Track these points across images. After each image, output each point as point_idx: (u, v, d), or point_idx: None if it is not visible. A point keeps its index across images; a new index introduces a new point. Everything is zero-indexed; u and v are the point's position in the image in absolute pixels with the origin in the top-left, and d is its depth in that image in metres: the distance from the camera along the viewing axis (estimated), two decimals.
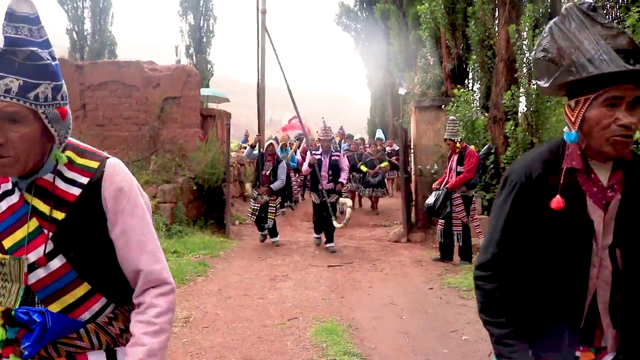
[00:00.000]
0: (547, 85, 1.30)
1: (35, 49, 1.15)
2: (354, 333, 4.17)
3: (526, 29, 7.79)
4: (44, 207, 1.22)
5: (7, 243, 1.22)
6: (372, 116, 22.81)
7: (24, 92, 1.12)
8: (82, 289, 1.24)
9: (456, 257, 6.81)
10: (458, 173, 6.59)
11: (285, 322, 4.40)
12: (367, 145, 13.66)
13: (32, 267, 1.20)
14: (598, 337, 1.29)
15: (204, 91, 13.28)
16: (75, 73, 9.87)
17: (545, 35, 1.30)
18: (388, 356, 3.72)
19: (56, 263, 1.21)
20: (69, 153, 1.28)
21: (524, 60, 8.06)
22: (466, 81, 10.38)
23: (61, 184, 1.24)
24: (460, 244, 6.66)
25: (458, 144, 6.66)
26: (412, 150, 9.49)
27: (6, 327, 1.21)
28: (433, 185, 7.05)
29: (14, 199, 1.24)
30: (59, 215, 1.22)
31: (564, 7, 1.29)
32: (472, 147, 6.96)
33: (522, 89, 8.16)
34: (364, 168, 11.44)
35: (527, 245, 1.33)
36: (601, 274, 1.27)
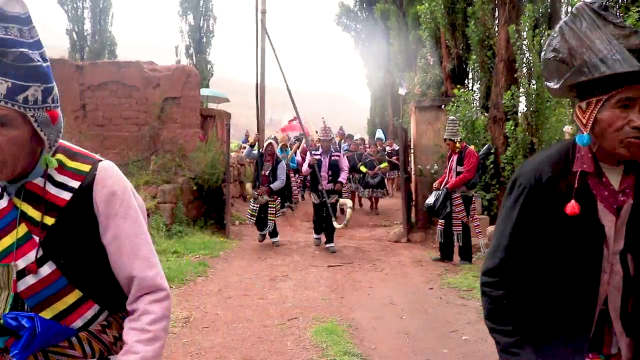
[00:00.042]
0: (557, 86, 1.27)
1: (26, 50, 1.12)
2: (354, 333, 4.17)
3: (526, 29, 7.79)
4: (33, 212, 1.19)
5: None
6: (372, 116, 22.81)
7: (13, 95, 1.09)
8: (74, 296, 1.21)
9: (456, 257, 6.81)
10: (458, 173, 6.59)
11: (285, 322, 4.40)
12: (367, 146, 13.65)
13: (22, 274, 1.16)
14: (607, 344, 1.27)
15: (204, 91, 13.28)
16: (75, 73, 9.87)
17: (555, 35, 1.27)
18: (388, 356, 3.72)
19: (46, 270, 1.17)
20: (59, 156, 1.24)
21: (524, 60, 8.06)
22: (466, 81, 10.39)
23: (51, 189, 1.21)
24: (460, 244, 6.66)
25: (458, 144, 6.66)
26: (412, 150, 9.49)
27: None
28: (433, 185, 7.05)
29: (3, 203, 1.20)
30: (49, 220, 1.18)
31: (575, 6, 1.26)
32: (471, 147, 6.96)
33: (522, 89, 8.17)
34: (363, 169, 11.41)
35: (536, 250, 1.30)
36: (612, 280, 1.24)
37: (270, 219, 7.66)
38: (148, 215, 7.67)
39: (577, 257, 1.24)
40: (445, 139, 6.79)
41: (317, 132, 9.65)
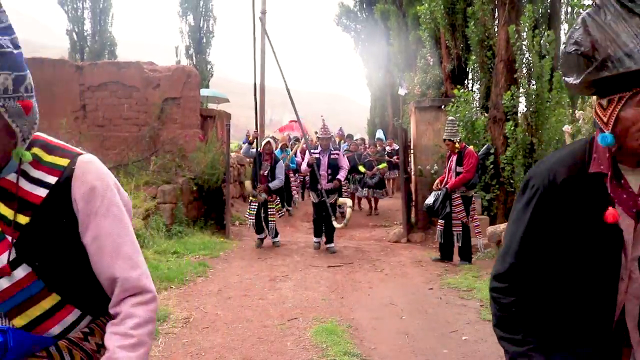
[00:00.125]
0: (577, 81, 1.18)
1: None
2: (353, 333, 4.17)
3: (526, 29, 7.80)
4: (6, 211, 1.10)
5: None
6: (372, 116, 22.81)
7: None
8: (51, 300, 1.12)
9: (456, 258, 6.81)
10: (457, 173, 6.60)
11: (285, 323, 4.40)
12: (367, 146, 13.64)
13: None
14: (626, 355, 1.19)
15: (203, 92, 13.29)
16: (75, 74, 9.88)
17: (577, 27, 1.18)
18: (388, 356, 3.73)
19: (20, 273, 1.08)
20: (36, 150, 1.15)
21: (524, 61, 8.07)
22: (466, 81, 10.39)
23: (26, 185, 1.12)
24: (460, 245, 6.67)
25: (457, 144, 6.66)
26: (412, 151, 9.49)
27: None
28: (433, 185, 7.05)
29: None
30: (23, 219, 1.09)
31: None
32: (471, 147, 6.97)
33: (521, 90, 8.17)
34: (362, 169, 11.37)
35: (549, 256, 1.22)
36: (630, 288, 1.16)
37: (271, 220, 7.65)
38: (148, 215, 7.69)
39: (593, 264, 1.17)
40: (444, 140, 6.79)
41: (316, 132, 9.65)
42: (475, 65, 9.39)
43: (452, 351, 3.78)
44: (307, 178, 9.79)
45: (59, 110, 9.57)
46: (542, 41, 7.84)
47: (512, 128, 7.84)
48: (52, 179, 1.13)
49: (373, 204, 11.67)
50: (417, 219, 9.20)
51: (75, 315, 1.16)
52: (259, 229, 7.71)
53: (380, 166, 11.64)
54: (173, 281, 5.52)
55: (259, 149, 7.76)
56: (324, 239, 7.72)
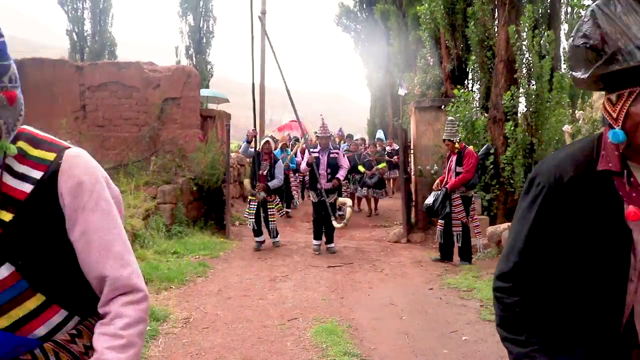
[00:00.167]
0: (585, 76, 1.14)
1: None
2: (353, 333, 4.17)
3: (526, 29, 7.80)
4: None
5: None
6: (372, 116, 22.81)
7: None
8: (35, 301, 1.07)
9: (456, 258, 6.81)
10: (457, 173, 6.60)
11: (285, 323, 4.40)
12: (367, 146, 13.62)
13: None
14: (635, 357, 1.16)
15: (203, 92, 13.29)
16: (75, 74, 9.89)
17: (586, 19, 1.13)
18: (388, 356, 3.73)
19: (3, 272, 1.03)
20: (21, 144, 1.10)
21: (524, 61, 8.07)
22: (466, 82, 10.39)
23: (10, 180, 1.07)
24: (460, 245, 6.67)
25: (457, 145, 6.66)
26: (412, 151, 9.49)
27: None
28: (433, 186, 7.05)
29: None
30: (6, 216, 1.04)
31: None
32: (470, 147, 6.97)
33: (521, 90, 8.18)
34: (361, 168, 11.32)
35: (554, 256, 1.19)
36: (639, 289, 1.13)
37: (271, 220, 7.63)
38: (148, 215, 7.69)
39: (600, 264, 1.14)
40: (444, 140, 6.80)
41: (316, 132, 9.64)
42: (475, 66, 9.39)
43: (452, 351, 3.78)
44: (307, 178, 9.77)
45: (59, 111, 9.58)
46: (542, 41, 7.84)
47: (512, 128, 7.85)
48: (37, 174, 1.08)
49: (373, 204, 11.60)
50: (417, 219, 9.20)
51: (62, 316, 1.11)
52: (257, 232, 7.63)
53: (380, 166, 11.59)
54: (173, 281, 5.52)
55: (257, 149, 7.71)
56: (324, 239, 7.67)
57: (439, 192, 6.73)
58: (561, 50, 9.47)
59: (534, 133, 7.92)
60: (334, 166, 7.46)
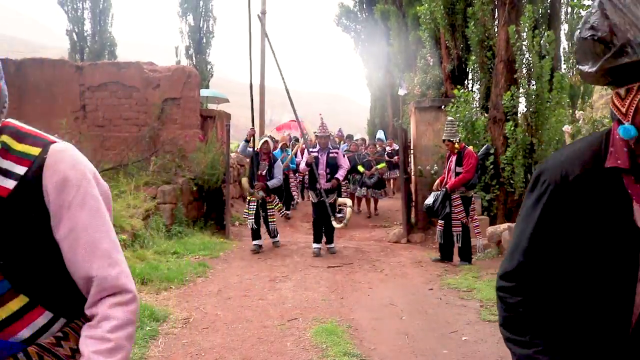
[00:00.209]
0: (592, 69, 1.08)
1: None
2: (353, 334, 4.17)
3: (526, 29, 7.81)
4: None
5: None
6: (372, 117, 22.81)
7: None
8: (18, 302, 1.02)
9: (456, 258, 6.81)
10: (457, 174, 6.60)
11: (285, 323, 4.40)
12: (366, 146, 13.59)
13: None
14: None
15: (203, 92, 13.29)
16: (75, 74, 9.89)
17: (593, 10, 1.09)
18: (388, 357, 3.73)
19: None
20: (5, 138, 1.06)
21: (524, 61, 8.08)
22: (466, 82, 10.39)
23: None
24: (460, 245, 6.67)
25: (456, 145, 6.66)
26: (411, 151, 9.49)
27: None
28: (433, 186, 7.05)
29: None
30: None
31: None
32: (470, 147, 6.97)
33: (521, 90, 8.18)
34: (361, 168, 11.29)
35: (559, 255, 1.15)
36: None
37: (271, 221, 7.60)
38: (148, 215, 7.69)
39: (608, 265, 1.10)
40: (443, 140, 6.79)
41: (315, 132, 9.63)
42: (475, 66, 9.40)
43: (452, 351, 3.78)
44: (306, 177, 9.74)
45: (59, 111, 9.58)
46: (542, 41, 7.85)
47: (512, 128, 7.85)
48: (21, 170, 1.03)
49: (372, 205, 11.57)
50: (417, 219, 9.20)
51: (47, 318, 1.06)
52: (255, 235, 7.49)
53: (379, 166, 11.55)
54: (173, 281, 5.52)
55: (255, 148, 7.62)
56: (324, 242, 7.59)
57: (439, 192, 6.73)
58: (561, 50, 9.49)
59: (534, 133, 7.92)
60: (333, 166, 7.39)
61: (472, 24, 9.00)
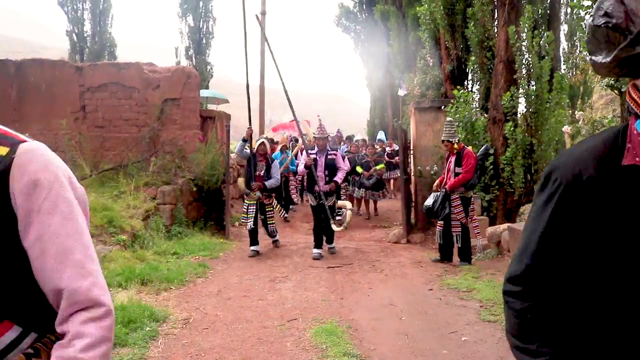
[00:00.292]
0: (607, 60, 1.00)
1: None
2: (353, 334, 4.17)
3: (525, 30, 7.81)
4: None
5: None
6: (371, 117, 22.84)
7: None
8: None
9: (456, 258, 6.81)
10: (456, 174, 6.60)
11: (284, 324, 4.40)
12: (366, 147, 13.57)
13: None
14: None
15: (203, 92, 13.30)
16: (75, 75, 9.89)
17: None
18: (387, 357, 3.73)
19: None
20: None
21: (523, 62, 8.09)
22: (465, 82, 10.40)
23: None
24: (459, 245, 6.67)
25: (456, 145, 6.67)
26: (411, 152, 9.50)
27: None
28: (433, 187, 7.05)
29: None
30: None
31: None
32: (469, 148, 6.97)
33: (521, 90, 8.19)
34: (359, 169, 11.26)
35: (571, 258, 1.07)
36: None
37: (270, 222, 7.58)
38: (148, 216, 7.69)
39: (623, 268, 1.02)
40: (443, 141, 6.80)
41: (314, 133, 9.61)
42: (475, 66, 9.40)
43: (451, 352, 3.78)
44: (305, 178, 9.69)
45: (59, 111, 9.59)
46: (541, 42, 7.85)
47: (512, 129, 7.85)
48: None
49: (372, 206, 11.53)
50: (416, 219, 9.21)
51: (16, 333, 0.98)
52: (253, 238, 7.31)
53: (378, 167, 11.52)
54: (173, 282, 5.52)
55: (252, 150, 7.47)
56: (324, 246, 7.50)
57: (439, 193, 6.73)
58: (561, 50, 9.50)
59: (534, 134, 7.92)
60: (332, 167, 7.28)
61: (471, 24, 9.01)
